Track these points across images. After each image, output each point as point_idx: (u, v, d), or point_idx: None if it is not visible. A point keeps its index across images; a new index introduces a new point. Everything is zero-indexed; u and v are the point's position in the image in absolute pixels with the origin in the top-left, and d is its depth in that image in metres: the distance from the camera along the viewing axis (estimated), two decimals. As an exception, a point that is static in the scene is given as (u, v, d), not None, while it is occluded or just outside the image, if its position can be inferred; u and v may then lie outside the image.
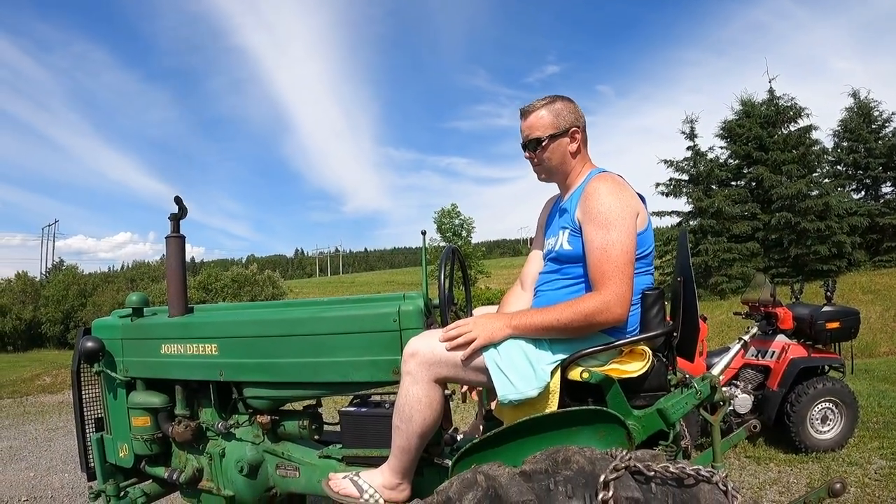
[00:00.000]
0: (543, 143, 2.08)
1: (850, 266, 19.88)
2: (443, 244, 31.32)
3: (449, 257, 2.23)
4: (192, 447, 2.67)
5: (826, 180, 21.55)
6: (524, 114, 2.13)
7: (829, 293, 5.36)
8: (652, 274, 2.03)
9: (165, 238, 2.74)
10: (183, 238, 2.76)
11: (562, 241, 2.03)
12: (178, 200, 2.70)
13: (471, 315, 2.37)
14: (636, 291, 1.94)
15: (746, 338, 4.99)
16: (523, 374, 1.80)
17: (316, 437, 2.56)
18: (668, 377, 1.96)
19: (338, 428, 2.44)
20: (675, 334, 1.97)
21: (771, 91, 22.17)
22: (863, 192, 22.30)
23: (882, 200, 21.24)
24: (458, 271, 2.49)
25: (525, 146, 2.14)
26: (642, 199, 2.03)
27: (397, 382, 1.99)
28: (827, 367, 5.12)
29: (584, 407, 1.74)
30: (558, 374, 1.84)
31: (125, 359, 2.72)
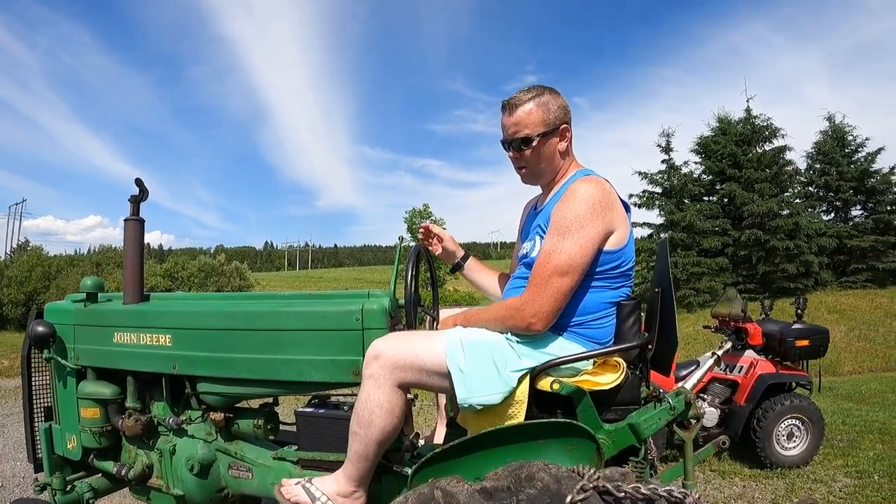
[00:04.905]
0: (534, 143, 1.91)
1: (817, 285, 20.25)
2: (413, 244, 30.91)
3: (417, 256, 2.12)
4: (143, 442, 2.56)
5: (797, 200, 21.93)
6: (509, 108, 1.94)
7: (799, 311, 5.38)
8: (630, 287, 1.94)
9: (124, 221, 2.62)
10: (142, 222, 2.63)
11: (537, 247, 1.91)
12: (138, 182, 2.57)
13: (437, 316, 2.27)
14: (608, 303, 1.87)
15: (720, 352, 4.99)
16: (486, 378, 1.71)
17: (271, 437, 2.45)
18: (641, 391, 1.89)
19: (294, 428, 2.34)
20: (649, 347, 1.89)
21: (748, 110, 22.49)
22: (832, 214, 22.74)
23: (851, 223, 21.66)
24: (425, 272, 2.39)
25: (509, 145, 1.96)
26: (626, 208, 1.94)
27: (357, 384, 1.89)
28: (793, 384, 5.15)
29: (552, 419, 1.66)
30: (526, 382, 1.75)
31: (76, 346, 2.59)
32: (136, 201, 2.59)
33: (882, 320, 15.41)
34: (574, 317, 1.84)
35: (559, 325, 1.83)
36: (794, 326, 5.14)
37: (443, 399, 2.42)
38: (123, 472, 2.50)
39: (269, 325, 2.13)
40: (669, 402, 1.78)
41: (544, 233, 1.88)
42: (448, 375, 1.74)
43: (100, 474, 2.71)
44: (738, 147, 21.74)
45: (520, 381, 1.75)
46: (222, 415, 2.40)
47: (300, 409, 2.24)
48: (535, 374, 1.76)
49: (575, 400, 1.71)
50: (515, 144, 1.94)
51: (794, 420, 4.94)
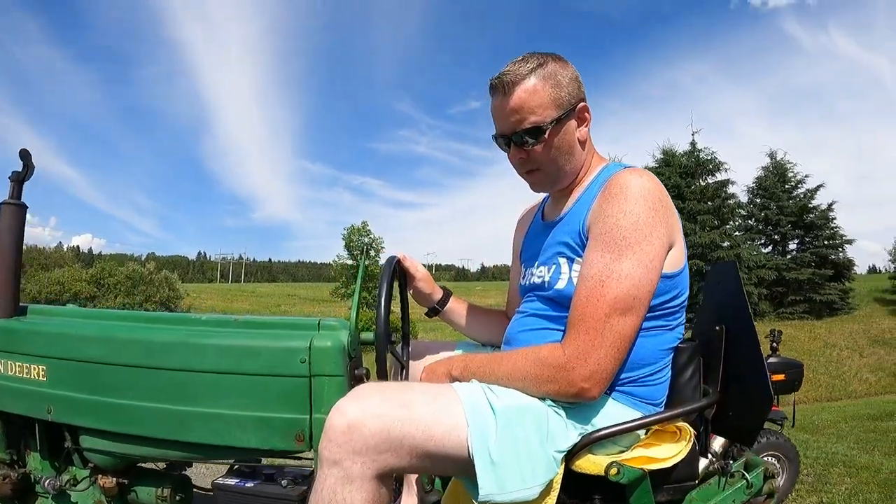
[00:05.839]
0: (546, 133, 1.36)
1: (756, 316, 20.54)
2: (350, 262, 29.90)
3: (392, 272, 1.52)
4: None
5: (738, 233, 22.58)
6: (503, 88, 1.36)
7: (774, 344, 5.12)
8: (684, 325, 1.43)
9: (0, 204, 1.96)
10: (24, 208, 1.98)
11: (564, 273, 1.38)
12: (24, 155, 1.94)
13: (407, 361, 1.68)
14: (665, 349, 1.36)
15: None
16: (525, 465, 1.14)
17: (181, 511, 1.82)
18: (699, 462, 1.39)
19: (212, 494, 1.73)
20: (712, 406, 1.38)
21: (693, 143, 23.11)
22: (771, 247, 23.52)
23: (789, 256, 22.45)
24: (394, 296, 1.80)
25: (509, 140, 1.40)
26: None
27: (299, 453, 1.31)
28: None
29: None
30: (563, 463, 1.21)
31: None
32: (19, 180, 1.95)
33: (822, 350, 15.81)
34: (625, 371, 1.31)
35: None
36: (769, 360, 4.87)
37: None
38: (-9, 540, 1.87)
39: (177, 362, 1.51)
40: (746, 479, 1.28)
41: (574, 252, 1.37)
42: (464, 460, 1.15)
43: None
44: (682, 178, 22.21)
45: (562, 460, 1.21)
46: (114, 480, 1.78)
47: (219, 481, 1.63)
48: (576, 451, 1.22)
49: (630, 486, 1.19)
50: (519, 139, 1.38)
51: (769, 458, 4.65)
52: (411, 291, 1.74)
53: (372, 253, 28.46)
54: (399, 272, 1.68)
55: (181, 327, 1.62)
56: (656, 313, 1.32)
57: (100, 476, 1.79)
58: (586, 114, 1.42)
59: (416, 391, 1.20)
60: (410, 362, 1.68)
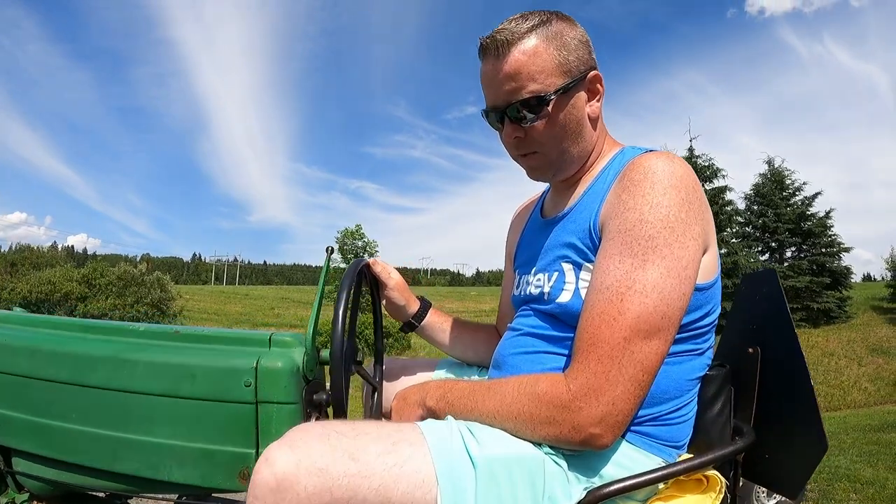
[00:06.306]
0: (549, 105, 1.10)
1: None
2: (343, 266, 29.59)
3: (357, 278, 1.27)
4: None
5: (735, 240, 22.52)
6: (497, 49, 1.10)
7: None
8: (713, 348, 1.18)
9: None
10: None
11: (570, 282, 1.12)
12: None
13: (380, 383, 1.44)
14: (692, 379, 1.11)
15: None
16: None
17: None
18: None
19: None
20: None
21: (691, 150, 23.06)
22: (768, 255, 23.45)
23: (786, 263, 22.37)
24: (366, 303, 1.57)
25: (502, 113, 1.14)
26: None
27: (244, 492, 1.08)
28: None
29: None
30: None
31: None
32: None
33: (819, 360, 15.69)
34: (644, 407, 1.05)
35: None
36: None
37: None
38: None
39: (105, 379, 1.27)
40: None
41: (582, 255, 1.11)
42: None
43: None
44: (680, 184, 22.21)
45: None
46: None
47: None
48: (583, 506, 0.98)
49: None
50: (515, 112, 1.12)
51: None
52: (383, 302, 1.48)
53: (366, 257, 28.23)
54: (369, 279, 1.44)
55: (115, 339, 1.37)
56: (685, 334, 1.07)
57: (35, 502, 1.56)
58: (599, 85, 1.16)
59: (370, 436, 0.93)
60: (385, 383, 1.45)
